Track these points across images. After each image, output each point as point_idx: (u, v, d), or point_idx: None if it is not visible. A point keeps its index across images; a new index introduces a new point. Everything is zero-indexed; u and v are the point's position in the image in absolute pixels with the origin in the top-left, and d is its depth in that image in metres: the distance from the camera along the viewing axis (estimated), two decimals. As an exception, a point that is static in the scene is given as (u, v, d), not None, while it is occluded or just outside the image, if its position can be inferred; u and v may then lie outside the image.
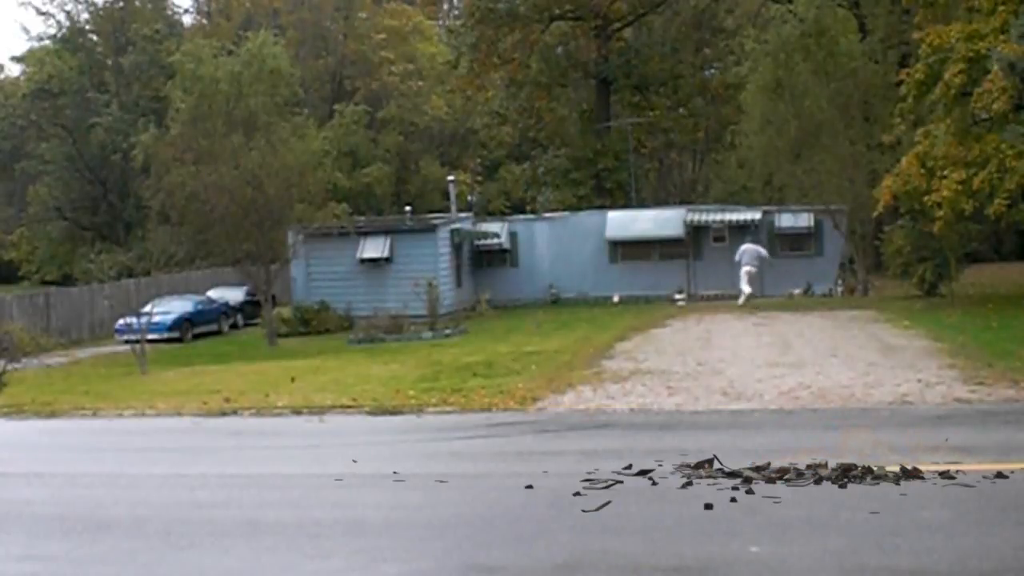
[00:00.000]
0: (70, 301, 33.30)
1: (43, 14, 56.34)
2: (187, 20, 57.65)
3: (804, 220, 31.96)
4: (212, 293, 34.58)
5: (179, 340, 30.13)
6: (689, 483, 8.45)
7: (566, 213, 36.27)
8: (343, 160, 44.42)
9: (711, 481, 8.47)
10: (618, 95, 44.30)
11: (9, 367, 20.15)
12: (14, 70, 56.56)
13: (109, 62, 51.06)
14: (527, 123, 45.57)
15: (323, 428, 13.29)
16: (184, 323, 31.06)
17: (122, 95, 49.35)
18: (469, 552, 6.95)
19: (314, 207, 29.19)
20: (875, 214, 26.91)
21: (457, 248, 32.10)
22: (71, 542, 7.78)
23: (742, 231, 32.11)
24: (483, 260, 33.81)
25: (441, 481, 9.13)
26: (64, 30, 50.78)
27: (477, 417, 13.43)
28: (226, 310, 33.62)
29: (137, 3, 51.58)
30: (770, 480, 8.39)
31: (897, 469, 8.39)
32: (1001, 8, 22.59)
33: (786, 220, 32.22)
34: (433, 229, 31.21)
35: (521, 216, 38.48)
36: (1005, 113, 21.52)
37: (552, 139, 45.30)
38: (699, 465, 8.96)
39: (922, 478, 8.25)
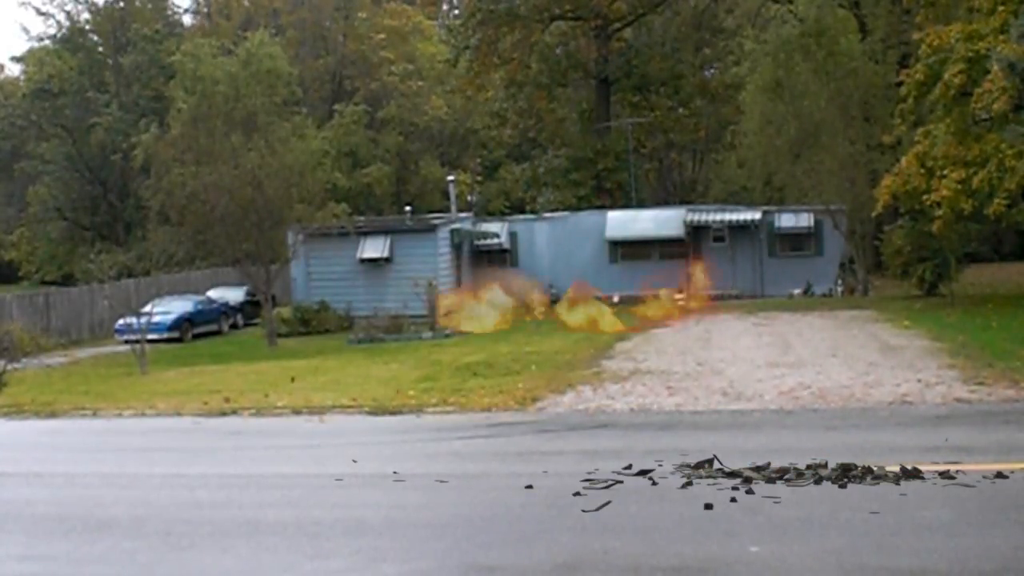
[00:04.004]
0: (70, 301, 33.30)
1: (43, 14, 56.53)
2: (187, 20, 57.67)
3: (804, 220, 31.99)
4: (212, 293, 34.57)
5: (179, 340, 30.12)
6: (689, 483, 8.45)
7: (566, 213, 36.26)
8: (343, 160, 44.43)
9: (711, 481, 8.47)
10: (618, 95, 44.31)
11: (9, 367, 20.15)
12: (14, 70, 56.65)
13: (109, 62, 51.09)
14: (527, 123, 45.53)
15: (323, 428, 13.29)
16: (184, 323, 31.06)
17: (122, 95, 49.36)
18: (469, 552, 6.95)
19: (314, 207, 29.19)
20: (875, 214, 26.92)
21: (457, 248, 32.10)
22: (71, 542, 7.77)
23: (742, 231, 32.15)
24: (483, 260, 33.81)
25: (441, 481, 9.13)
26: (64, 30, 50.80)
27: (477, 417, 13.43)
28: (226, 310, 33.61)
29: (137, 3, 51.60)
30: (770, 480, 8.39)
31: (897, 469, 8.39)
32: (1001, 8, 22.60)
33: (786, 220, 32.26)
34: (433, 229, 31.21)
35: (521, 216, 38.46)
36: (1005, 113, 21.52)
37: (552, 139, 45.31)
38: (699, 465, 8.96)
39: (922, 478, 8.25)
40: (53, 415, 16.13)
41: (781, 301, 29.23)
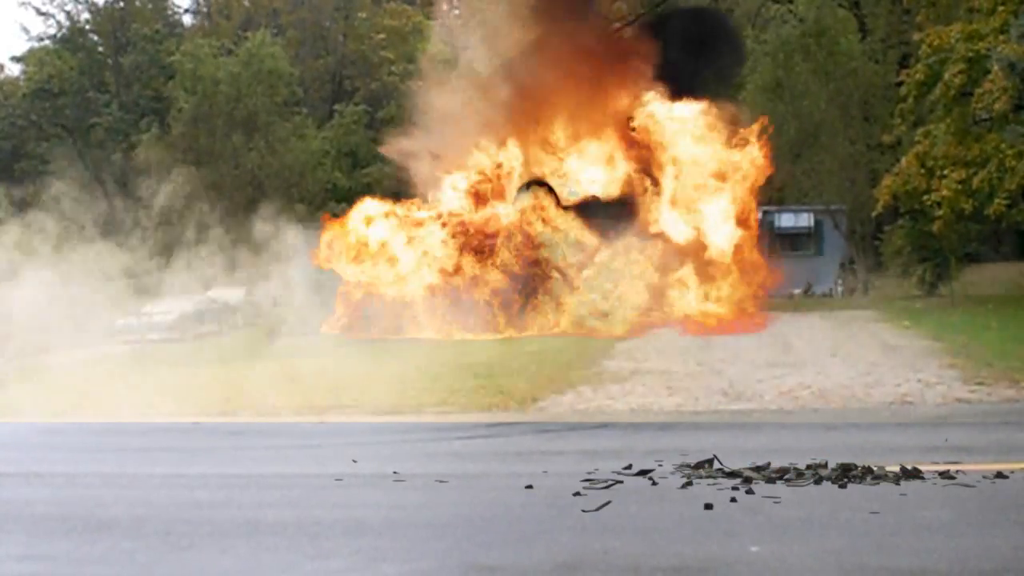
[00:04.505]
0: (70, 301, 33.21)
1: (43, 14, 56.46)
2: (187, 20, 57.68)
3: (804, 220, 32.01)
4: (212, 293, 34.55)
5: (179, 340, 30.12)
6: (689, 483, 8.45)
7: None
8: (343, 160, 44.45)
9: (711, 481, 8.47)
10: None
11: (9, 367, 20.15)
12: (14, 70, 56.66)
13: (109, 62, 51.11)
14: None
15: (323, 428, 13.29)
16: (184, 323, 31.05)
17: (122, 95, 49.38)
18: (469, 552, 6.95)
19: (314, 207, 29.24)
20: (875, 214, 26.95)
21: (457, 248, 32.00)
22: (71, 542, 7.77)
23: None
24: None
25: (441, 481, 9.12)
26: (64, 30, 50.85)
27: (477, 417, 13.44)
28: (226, 310, 33.61)
29: (137, 3, 51.63)
30: (770, 480, 8.39)
31: (897, 469, 8.39)
32: (1001, 8, 22.65)
33: (786, 220, 32.28)
34: (433, 229, 31.11)
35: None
36: (1005, 113, 21.58)
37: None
38: (699, 465, 8.96)
39: (922, 478, 8.25)
40: (53, 415, 16.13)
41: (781, 301, 29.23)
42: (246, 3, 56.16)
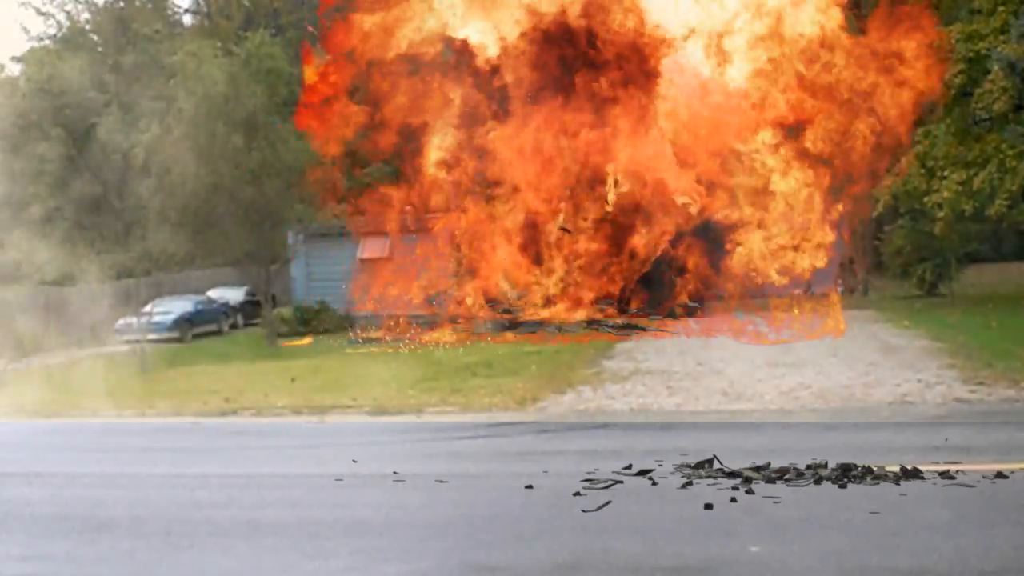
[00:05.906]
0: (70, 301, 33.28)
1: (43, 14, 56.48)
2: (187, 20, 57.73)
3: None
4: (212, 293, 34.58)
5: (179, 340, 30.13)
6: (689, 483, 8.45)
7: (566, 212, 36.10)
8: (344, 160, 44.42)
9: (711, 481, 8.47)
10: (618, 95, 44.33)
11: (9, 367, 20.17)
12: (14, 70, 56.65)
13: (109, 62, 51.11)
14: (527, 123, 45.53)
15: (323, 428, 13.30)
16: (184, 323, 31.06)
17: (122, 95, 49.39)
18: (469, 552, 6.95)
19: (314, 208, 29.22)
20: (875, 214, 26.94)
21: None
22: (71, 542, 7.77)
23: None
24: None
25: (441, 481, 9.13)
26: (64, 30, 50.87)
27: (477, 417, 13.45)
28: (226, 310, 33.62)
29: (137, 3, 51.67)
30: (770, 480, 8.39)
31: (897, 469, 8.40)
32: (1001, 8, 22.64)
33: (786, 220, 32.29)
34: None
35: (521, 216, 38.35)
36: (1005, 113, 21.57)
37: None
38: (699, 465, 8.97)
39: (922, 478, 8.25)
40: (53, 415, 16.14)
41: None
42: (246, 3, 56.18)
